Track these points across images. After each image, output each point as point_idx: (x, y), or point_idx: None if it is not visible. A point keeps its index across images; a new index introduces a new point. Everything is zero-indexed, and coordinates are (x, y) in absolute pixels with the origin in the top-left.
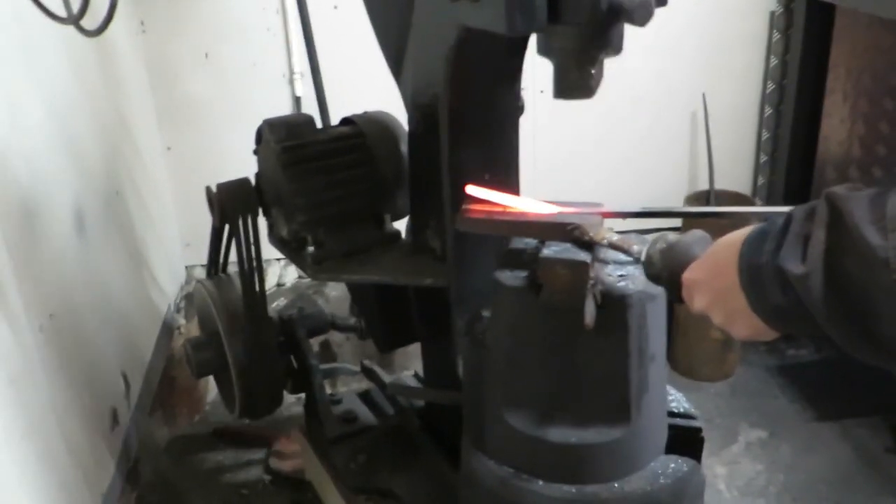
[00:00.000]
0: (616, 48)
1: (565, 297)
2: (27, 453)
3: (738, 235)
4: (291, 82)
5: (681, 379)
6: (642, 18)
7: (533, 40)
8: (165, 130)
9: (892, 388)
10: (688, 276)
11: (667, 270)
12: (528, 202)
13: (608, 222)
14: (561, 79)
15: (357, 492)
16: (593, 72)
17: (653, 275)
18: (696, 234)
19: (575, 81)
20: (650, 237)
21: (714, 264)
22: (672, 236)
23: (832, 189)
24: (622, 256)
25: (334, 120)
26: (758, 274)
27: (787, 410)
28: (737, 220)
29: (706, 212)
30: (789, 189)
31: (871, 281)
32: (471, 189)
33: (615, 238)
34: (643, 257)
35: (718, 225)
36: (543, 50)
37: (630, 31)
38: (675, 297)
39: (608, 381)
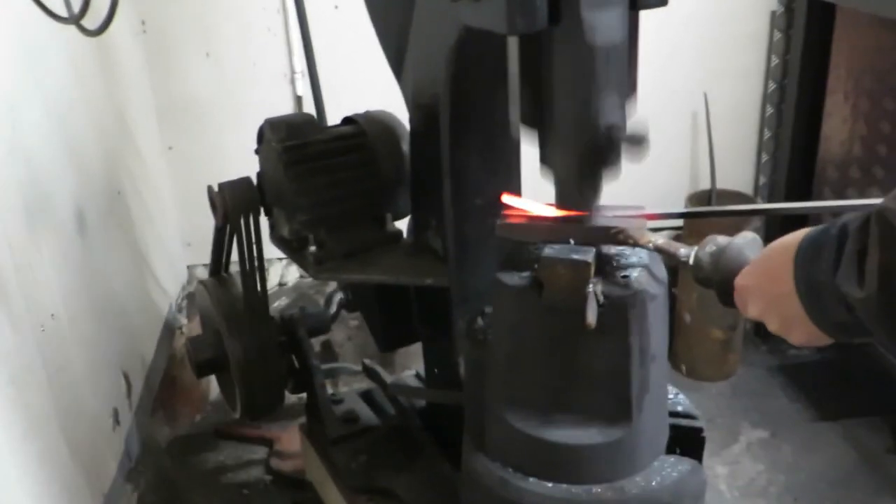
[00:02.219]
0: (614, 170)
1: (567, 296)
2: (28, 453)
3: (792, 241)
4: (292, 82)
5: (682, 378)
6: (638, 147)
7: None
8: (166, 130)
9: (892, 388)
10: (741, 281)
11: (718, 274)
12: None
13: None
14: (561, 193)
15: (358, 492)
16: (592, 189)
17: (702, 278)
18: (748, 236)
19: (574, 198)
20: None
21: (768, 271)
22: (722, 239)
23: (885, 205)
24: (625, 256)
25: (336, 119)
26: (818, 292)
27: (788, 410)
28: (740, 221)
29: (750, 210)
30: (790, 188)
31: None
32: (507, 198)
33: (661, 241)
34: (691, 261)
35: (721, 225)
36: (544, 163)
37: None
38: (727, 301)
39: (609, 380)
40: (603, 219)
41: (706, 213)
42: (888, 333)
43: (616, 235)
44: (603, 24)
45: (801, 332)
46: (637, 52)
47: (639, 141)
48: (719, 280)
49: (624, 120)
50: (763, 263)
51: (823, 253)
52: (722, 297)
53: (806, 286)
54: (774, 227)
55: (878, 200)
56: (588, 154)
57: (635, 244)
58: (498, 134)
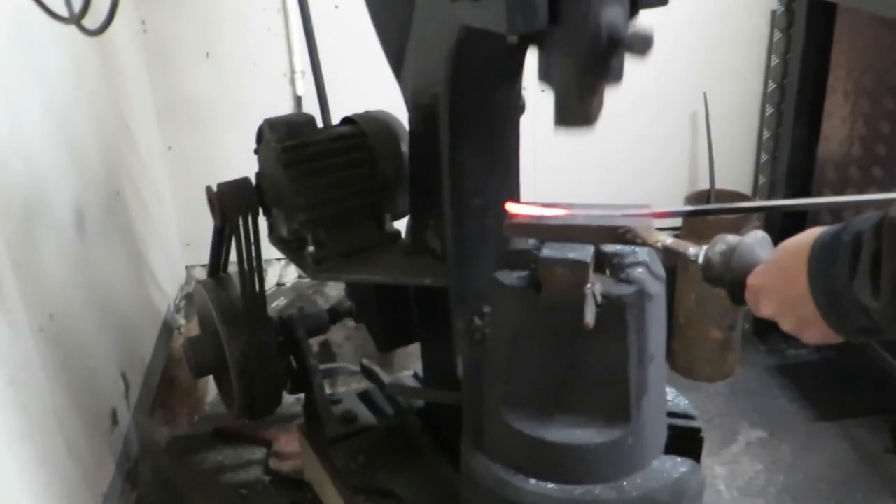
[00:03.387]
0: (616, 77)
1: (565, 296)
2: (27, 454)
3: (804, 242)
4: (292, 82)
5: (680, 378)
6: (643, 49)
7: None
8: (166, 130)
9: (891, 388)
10: (753, 281)
11: (729, 273)
12: (574, 207)
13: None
14: (561, 108)
15: (357, 492)
16: (594, 101)
17: (712, 278)
18: (757, 235)
19: (575, 111)
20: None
21: (782, 271)
22: (732, 238)
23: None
24: (624, 255)
25: (335, 119)
26: (836, 300)
27: (787, 410)
28: (741, 219)
29: (758, 207)
30: (790, 188)
31: None
32: (511, 206)
33: (669, 241)
34: (701, 260)
35: (721, 223)
36: (544, 76)
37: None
38: (738, 300)
39: (608, 380)
40: (611, 218)
41: (715, 210)
42: None
43: (624, 235)
44: None
45: (816, 331)
46: None
47: (643, 43)
48: (731, 279)
49: (626, 20)
50: (777, 264)
51: (838, 261)
52: (733, 296)
53: (823, 294)
54: (774, 225)
55: (880, 196)
56: (589, 58)
57: (644, 243)
58: (497, 134)
